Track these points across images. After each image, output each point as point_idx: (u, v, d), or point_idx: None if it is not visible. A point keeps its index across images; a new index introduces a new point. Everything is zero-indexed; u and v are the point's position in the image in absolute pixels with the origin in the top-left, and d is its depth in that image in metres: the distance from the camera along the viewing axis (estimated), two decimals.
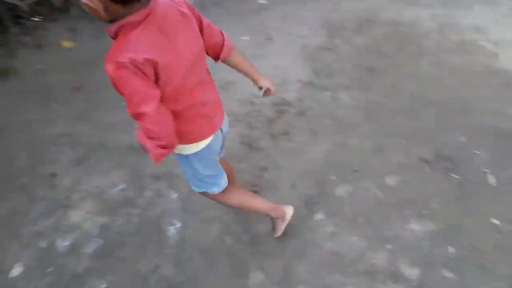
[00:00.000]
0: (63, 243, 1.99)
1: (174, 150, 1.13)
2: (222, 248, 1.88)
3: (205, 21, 1.23)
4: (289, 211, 1.70)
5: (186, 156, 1.33)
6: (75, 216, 2.11)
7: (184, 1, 1.14)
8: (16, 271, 1.90)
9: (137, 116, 1.00)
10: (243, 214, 1.98)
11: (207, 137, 1.30)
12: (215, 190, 1.50)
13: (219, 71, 3.05)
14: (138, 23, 0.95)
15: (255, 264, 1.80)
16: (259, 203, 1.67)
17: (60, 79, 3.04)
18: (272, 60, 3.27)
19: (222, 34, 1.32)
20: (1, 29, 3.26)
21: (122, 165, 2.37)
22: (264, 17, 3.85)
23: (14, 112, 2.80)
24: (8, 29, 3.30)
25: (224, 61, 1.37)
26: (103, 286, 1.80)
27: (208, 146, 1.31)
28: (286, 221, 1.70)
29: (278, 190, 2.17)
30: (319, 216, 2.04)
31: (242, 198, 1.63)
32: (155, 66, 0.97)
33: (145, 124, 1.01)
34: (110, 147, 2.49)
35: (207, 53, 1.29)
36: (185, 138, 1.23)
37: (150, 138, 1.03)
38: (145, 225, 2.04)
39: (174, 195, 2.19)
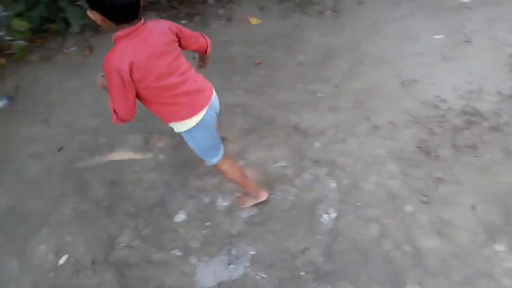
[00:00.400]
0: (223, 203, 2.30)
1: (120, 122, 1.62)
2: (379, 251, 1.86)
3: (186, 31, 1.67)
4: (264, 194, 2.21)
5: (185, 132, 1.74)
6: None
7: (167, 24, 1.60)
8: (180, 217, 2.30)
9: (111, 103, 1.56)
10: (406, 221, 1.92)
11: (193, 116, 1.68)
12: (216, 157, 1.91)
13: (404, 67, 2.98)
14: (125, 37, 1.44)
15: (414, 279, 1.73)
16: (249, 181, 2.15)
17: (243, 53, 3.46)
18: (467, 64, 2.99)
19: (204, 37, 1.84)
20: (202, 0, 3.91)
21: (286, 143, 2.56)
22: (464, 17, 3.53)
23: None
24: (207, 0, 3.92)
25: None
26: (252, 252, 2.01)
27: (199, 122, 1.70)
28: (256, 201, 2.20)
29: (454, 207, 2.01)
30: (500, 247, 1.81)
31: (238, 171, 2.08)
32: (131, 65, 1.42)
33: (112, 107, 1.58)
34: (278, 124, 2.72)
35: (196, 51, 1.85)
36: (171, 116, 1.70)
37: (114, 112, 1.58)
38: (299, 206, 2.18)
39: (332, 184, 2.26)
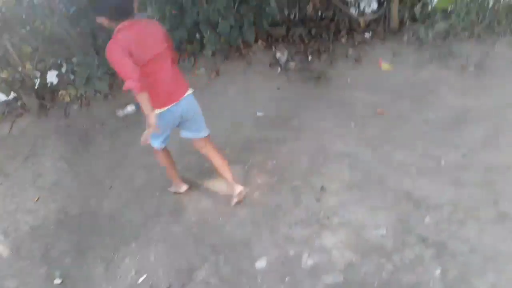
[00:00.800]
0: (307, 261, 2.27)
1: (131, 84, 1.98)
2: None
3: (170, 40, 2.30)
4: (183, 188, 2.89)
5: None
6: (328, 239, 2.35)
7: (161, 27, 2.25)
8: (261, 264, 2.34)
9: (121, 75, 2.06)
10: None
11: (156, 108, 2.16)
12: (155, 144, 2.54)
13: None
14: (123, 29, 2.05)
15: None
16: (175, 173, 2.86)
17: (365, 99, 3.42)
18: None
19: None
20: (333, 37, 4.00)
21: (392, 210, 2.42)
22: None
23: (310, 116, 3.39)
24: (339, 39, 4.00)
25: None
26: None
27: (159, 114, 2.18)
28: (176, 191, 2.92)
29: None
30: None
31: (168, 162, 2.77)
32: (129, 51, 2.00)
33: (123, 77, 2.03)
34: (388, 185, 2.59)
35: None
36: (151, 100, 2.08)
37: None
38: (391, 287, 2.02)
39: (437, 271, 2.05)
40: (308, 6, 3.93)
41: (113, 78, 4.59)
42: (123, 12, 2.08)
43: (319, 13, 4.17)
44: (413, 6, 3.65)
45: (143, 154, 3.51)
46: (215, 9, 3.93)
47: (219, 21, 3.99)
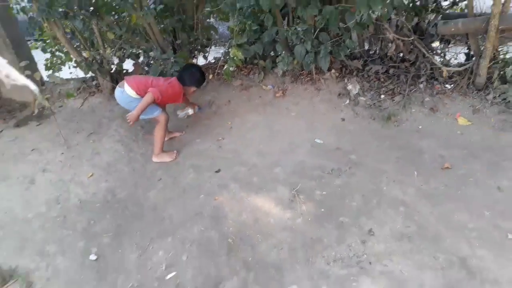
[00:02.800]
0: None
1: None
2: None
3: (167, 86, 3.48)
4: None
5: None
6: (365, 285, 2.22)
7: (175, 83, 3.56)
8: None
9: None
10: None
11: None
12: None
13: None
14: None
15: None
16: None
17: (434, 150, 3.26)
18: None
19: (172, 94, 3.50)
20: (411, 81, 3.87)
21: (441, 272, 2.25)
22: None
23: (371, 155, 3.28)
24: (417, 84, 3.86)
25: None
26: None
27: None
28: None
29: None
30: None
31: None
32: None
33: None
34: (442, 246, 2.42)
35: None
36: None
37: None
38: None
39: None
40: (390, 46, 3.84)
41: None
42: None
43: (401, 54, 4.05)
44: (505, 66, 3.45)
45: (195, 156, 3.57)
46: (294, 32, 3.96)
47: (296, 44, 4.01)
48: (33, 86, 0.65)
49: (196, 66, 3.86)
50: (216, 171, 3.33)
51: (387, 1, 3.22)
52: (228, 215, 2.79)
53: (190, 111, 4.12)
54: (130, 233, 2.73)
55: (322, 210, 2.77)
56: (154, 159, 3.58)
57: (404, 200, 2.80)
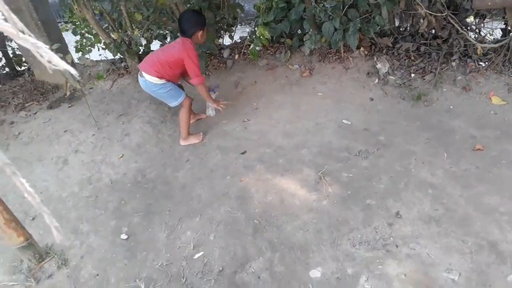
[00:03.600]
0: (365, 284, 2.17)
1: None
2: None
3: (187, 64, 3.25)
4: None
5: None
6: (391, 267, 2.22)
7: (183, 46, 3.21)
8: (315, 273, 2.27)
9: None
10: None
11: None
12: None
13: None
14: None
15: None
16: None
17: (465, 131, 3.16)
18: None
19: (194, 79, 3.33)
20: (443, 59, 3.73)
21: (470, 256, 2.22)
22: None
23: (400, 135, 3.21)
24: (450, 62, 3.72)
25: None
26: None
27: None
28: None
29: None
30: None
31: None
32: None
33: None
34: (472, 229, 2.37)
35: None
36: None
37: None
38: None
39: None
40: (422, 22, 3.70)
41: (210, 58, 4.75)
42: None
43: (433, 31, 3.90)
44: None
45: (221, 137, 3.60)
46: (323, 9, 3.87)
47: (324, 21, 3.92)
48: (73, 71, 0.67)
49: (185, 11, 3.48)
50: (242, 153, 3.36)
51: None
52: (254, 196, 2.82)
53: (217, 91, 4.14)
54: (160, 213, 2.82)
55: (349, 192, 2.76)
56: (182, 143, 3.62)
57: (433, 182, 2.75)
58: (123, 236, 2.66)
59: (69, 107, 4.49)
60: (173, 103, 3.47)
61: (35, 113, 4.45)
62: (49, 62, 0.62)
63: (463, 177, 2.76)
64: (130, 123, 4.05)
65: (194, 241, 2.52)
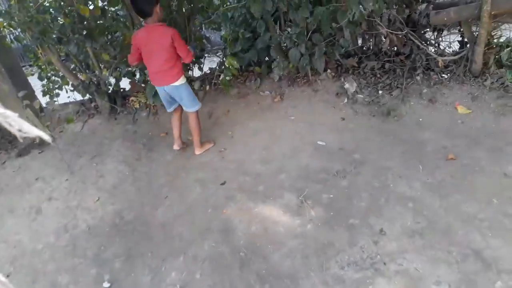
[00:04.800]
0: None
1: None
2: None
3: (178, 44, 3.20)
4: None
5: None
6: (381, 286, 2.20)
7: (170, 32, 3.16)
8: None
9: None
10: None
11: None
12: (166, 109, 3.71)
13: None
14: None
15: None
16: (177, 133, 3.90)
17: (436, 142, 3.24)
18: None
19: (188, 57, 3.32)
20: (408, 74, 3.85)
21: (457, 266, 2.24)
22: None
23: (375, 152, 3.26)
24: (414, 76, 3.85)
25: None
26: None
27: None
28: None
29: None
30: None
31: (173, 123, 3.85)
32: (137, 46, 3.27)
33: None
34: (455, 239, 2.40)
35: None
36: None
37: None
38: None
39: None
40: (384, 41, 3.83)
41: None
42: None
43: (395, 48, 4.04)
44: (500, 50, 3.43)
45: (199, 169, 3.57)
46: (288, 36, 3.96)
47: (290, 47, 4.00)
48: (46, 136, 0.64)
49: None
50: (222, 184, 3.32)
51: None
52: (237, 228, 2.78)
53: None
54: (142, 255, 2.73)
55: (331, 213, 2.75)
56: (198, 152, 3.80)
57: (412, 196, 2.78)
58: (106, 285, 2.54)
59: (40, 153, 4.36)
60: (192, 109, 3.57)
61: (4, 162, 4.30)
62: (20, 131, 0.60)
63: (440, 187, 2.81)
64: (104, 163, 3.96)
65: (180, 282, 2.44)
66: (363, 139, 3.50)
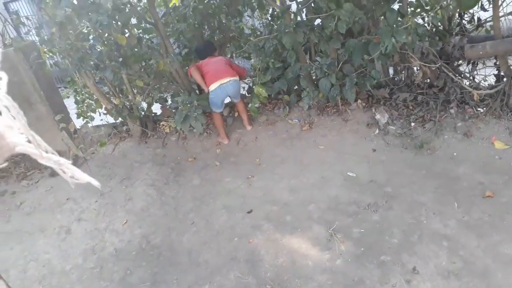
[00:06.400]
0: None
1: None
2: None
3: (233, 64, 4.47)
4: (225, 140, 4.49)
5: (209, 91, 4.18)
6: None
7: (227, 59, 4.47)
8: None
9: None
10: None
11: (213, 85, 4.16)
12: (213, 109, 4.32)
13: None
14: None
15: None
16: (222, 131, 4.46)
17: (472, 177, 3.14)
18: None
19: (242, 71, 4.52)
20: (441, 107, 3.78)
21: None
22: None
23: (407, 186, 3.18)
24: (448, 109, 3.77)
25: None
26: None
27: (215, 90, 4.16)
28: (221, 142, 4.48)
29: None
30: None
31: (218, 124, 4.43)
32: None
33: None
34: (492, 281, 2.27)
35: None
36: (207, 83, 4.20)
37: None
38: None
39: None
40: (417, 73, 3.79)
41: (208, 119, 4.81)
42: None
43: (427, 80, 3.99)
44: None
45: (227, 195, 3.56)
46: (318, 66, 3.98)
47: (321, 77, 4.02)
48: (96, 183, 0.67)
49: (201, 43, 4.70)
50: (248, 212, 3.31)
51: (412, 31, 3.20)
52: (264, 259, 2.73)
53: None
54: (167, 282, 2.71)
55: (362, 249, 2.68)
56: (250, 127, 4.58)
57: (447, 234, 2.68)
58: None
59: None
60: (220, 109, 4.40)
61: (37, 181, 4.42)
62: (72, 177, 0.61)
63: (477, 226, 2.69)
64: (133, 186, 4.02)
65: None
66: (395, 172, 3.43)
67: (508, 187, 2.97)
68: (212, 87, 4.14)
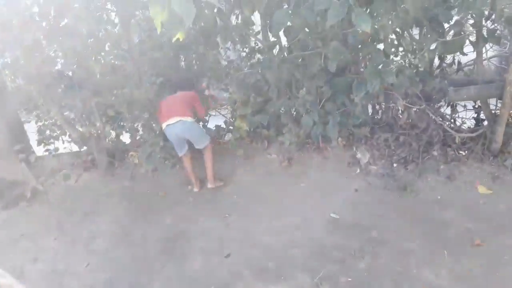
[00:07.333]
0: None
1: None
2: None
3: (196, 103, 4.06)
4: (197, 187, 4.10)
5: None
6: None
7: (191, 96, 4.06)
8: None
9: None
10: None
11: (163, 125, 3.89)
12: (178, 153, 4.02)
13: None
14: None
15: None
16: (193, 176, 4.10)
17: (459, 224, 3.08)
18: None
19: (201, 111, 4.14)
20: (424, 149, 3.75)
21: None
22: None
23: (393, 230, 3.06)
24: (430, 151, 3.74)
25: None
26: None
27: (164, 130, 3.90)
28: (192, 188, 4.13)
29: None
30: None
31: (186, 168, 4.08)
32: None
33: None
34: None
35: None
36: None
37: None
38: None
39: None
40: (401, 114, 3.77)
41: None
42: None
43: (410, 121, 3.97)
44: None
45: (202, 235, 3.32)
46: (301, 103, 3.90)
47: (303, 114, 3.93)
48: None
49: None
50: (226, 256, 3.06)
51: (400, 72, 3.17)
52: None
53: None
54: None
55: None
56: (212, 185, 4.05)
57: (440, 285, 2.56)
58: None
59: (28, 206, 4.07)
60: (202, 145, 3.96)
61: None
62: None
63: (469, 278, 2.59)
64: (97, 223, 3.69)
65: None
66: (380, 215, 3.31)
67: (496, 235, 2.91)
68: (163, 127, 3.90)
